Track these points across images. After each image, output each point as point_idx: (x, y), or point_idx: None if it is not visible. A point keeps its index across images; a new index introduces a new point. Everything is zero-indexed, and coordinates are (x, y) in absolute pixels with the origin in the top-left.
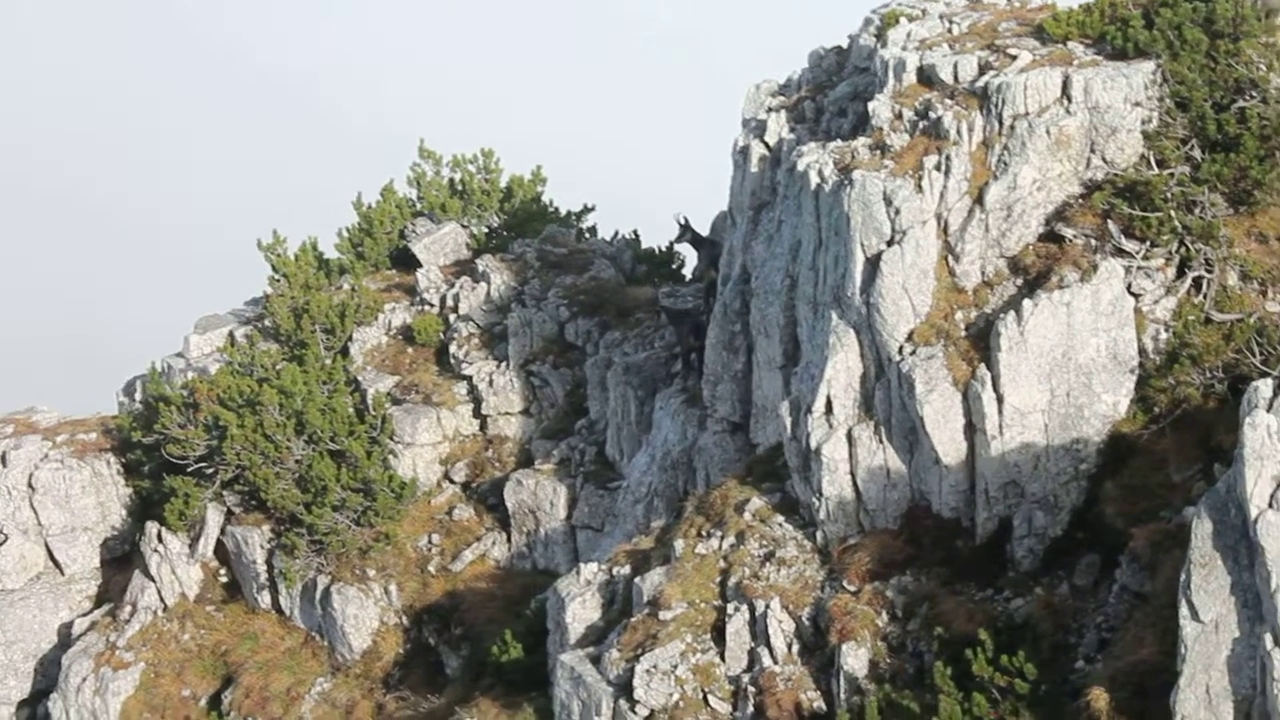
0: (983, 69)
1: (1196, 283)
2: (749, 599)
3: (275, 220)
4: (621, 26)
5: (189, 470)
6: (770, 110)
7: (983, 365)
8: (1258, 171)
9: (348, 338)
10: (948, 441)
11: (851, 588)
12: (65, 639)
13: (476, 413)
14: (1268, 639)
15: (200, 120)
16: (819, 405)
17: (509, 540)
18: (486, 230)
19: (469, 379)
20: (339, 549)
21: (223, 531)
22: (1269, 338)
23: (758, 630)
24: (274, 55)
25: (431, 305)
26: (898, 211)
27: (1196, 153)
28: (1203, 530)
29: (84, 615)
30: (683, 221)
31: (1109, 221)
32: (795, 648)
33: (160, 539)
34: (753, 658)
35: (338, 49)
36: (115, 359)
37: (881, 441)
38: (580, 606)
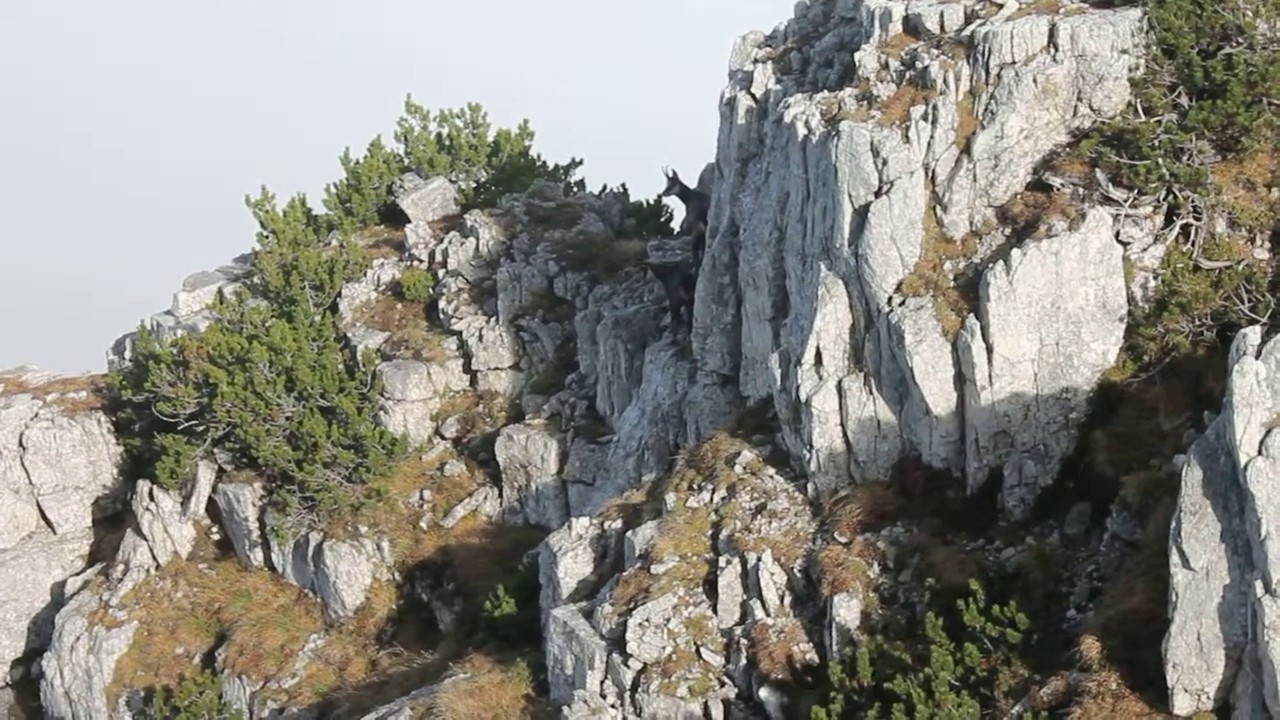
0: (969, 18)
1: (1185, 230)
2: (740, 552)
3: (261, 175)
4: None
5: (180, 428)
6: (757, 61)
7: (972, 315)
8: (1245, 118)
9: (337, 294)
10: (937, 392)
11: (843, 539)
12: (58, 598)
13: (467, 368)
14: (1258, 586)
15: (188, 71)
16: (808, 357)
17: (500, 496)
18: (474, 185)
19: (459, 334)
20: (330, 506)
21: (214, 489)
22: (1257, 285)
23: (749, 583)
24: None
25: (420, 261)
26: (885, 162)
27: (1184, 100)
28: (1193, 478)
29: (77, 574)
30: (671, 174)
31: (1096, 170)
32: (787, 600)
33: (152, 497)
34: (745, 610)
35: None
36: (105, 317)
37: (871, 393)
38: (572, 561)
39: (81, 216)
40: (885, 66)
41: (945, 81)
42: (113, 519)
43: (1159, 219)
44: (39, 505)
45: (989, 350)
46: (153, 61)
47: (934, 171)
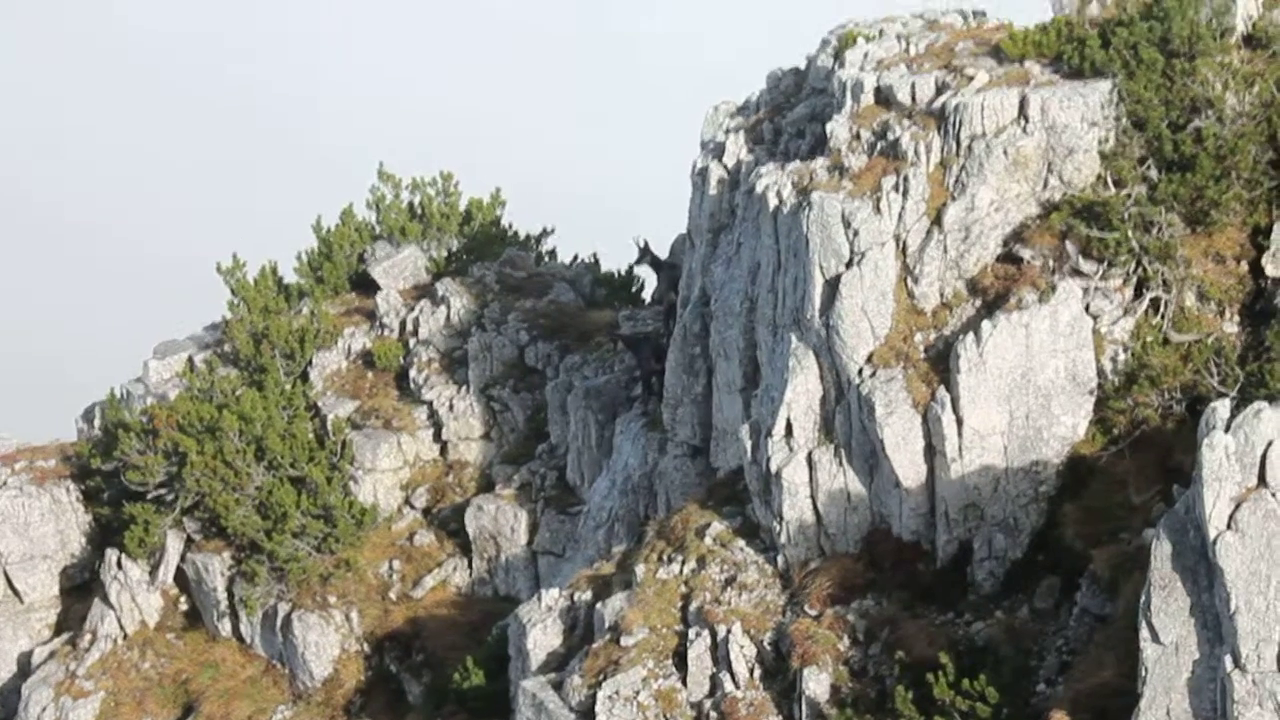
0: (940, 89)
1: (1154, 303)
2: (710, 624)
3: (235, 243)
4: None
5: (149, 497)
6: (728, 132)
7: (942, 387)
8: (1214, 191)
9: (307, 362)
10: (908, 464)
11: (813, 612)
12: (25, 668)
13: (437, 437)
14: (1228, 660)
15: (159, 138)
16: (779, 428)
17: (470, 566)
18: (446, 254)
19: (429, 404)
20: (300, 576)
21: (183, 559)
22: (1226, 358)
23: (719, 655)
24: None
25: (391, 329)
26: (856, 233)
27: (1153, 173)
28: (1162, 552)
29: (44, 644)
30: (642, 244)
31: (1067, 242)
32: (757, 673)
33: (120, 566)
34: (715, 683)
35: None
36: (75, 384)
37: (842, 464)
38: (542, 633)
39: (51, 282)
40: (857, 137)
41: (916, 153)
42: (81, 588)
43: (1129, 292)
44: (6, 574)
45: (959, 422)
46: (123, 127)
47: (905, 243)
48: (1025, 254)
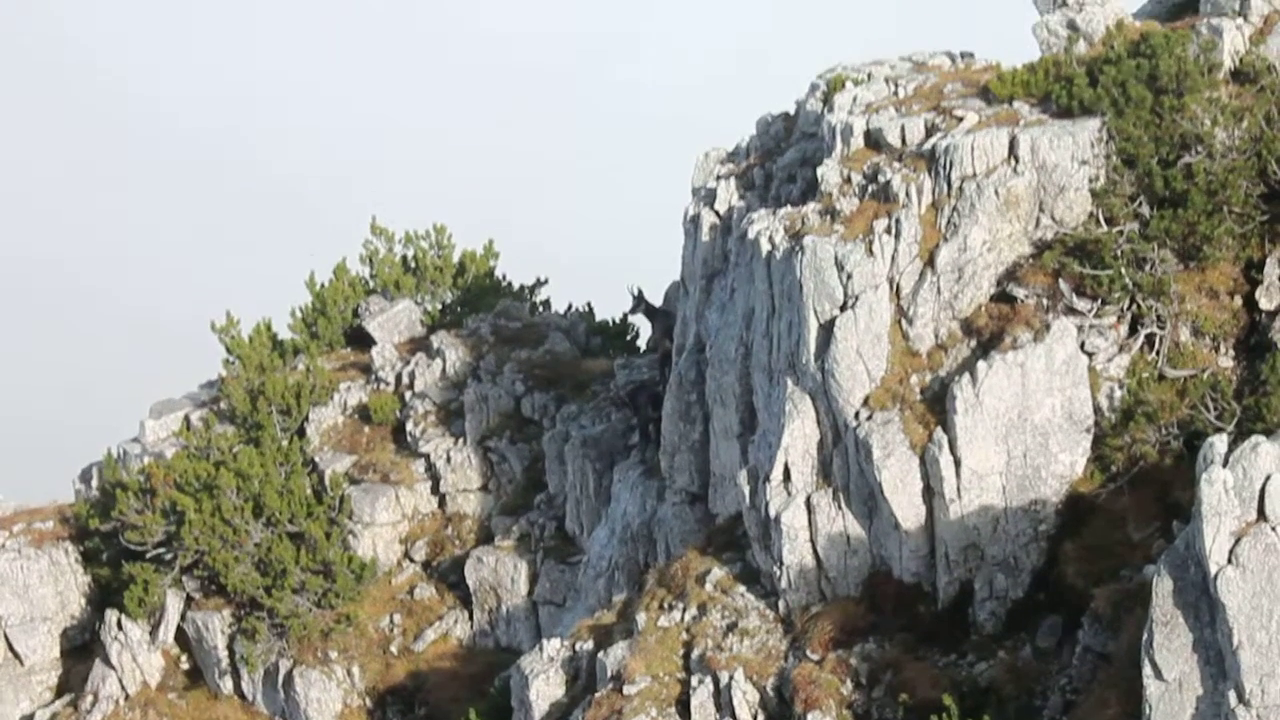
0: (930, 131)
1: (1149, 340)
2: (713, 670)
3: (228, 300)
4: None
5: (148, 556)
6: (719, 178)
7: (939, 428)
8: (1206, 227)
9: (304, 418)
10: (906, 506)
11: (815, 656)
12: None
13: (435, 490)
14: (1231, 696)
15: (154, 198)
16: (777, 473)
17: (471, 618)
18: (440, 306)
19: (426, 456)
20: (300, 632)
21: (183, 617)
22: (1223, 393)
23: (722, 702)
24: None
25: (387, 383)
26: (849, 276)
27: (1145, 209)
28: (1163, 588)
29: (45, 706)
30: (636, 293)
31: (1060, 280)
32: (761, 718)
33: (120, 627)
34: None
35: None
36: (71, 446)
37: (841, 508)
38: (544, 683)
39: (45, 342)
40: (848, 181)
41: (908, 195)
42: (81, 649)
43: (1123, 328)
44: (6, 637)
45: (957, 463)
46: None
47: (898, 285)
48: (1019, 293)
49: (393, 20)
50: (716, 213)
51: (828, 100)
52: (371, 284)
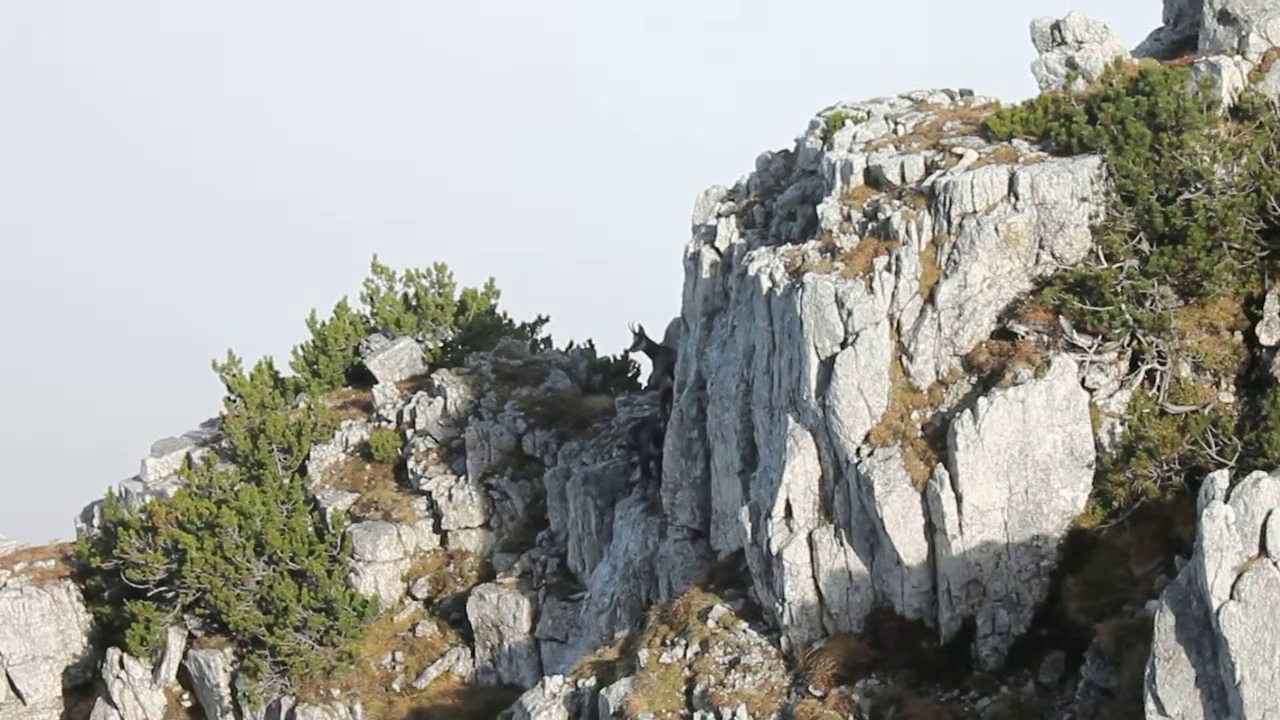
0: (929, 168)
1: (1150, 375)
2: (715, 707)
3: (227, 338)
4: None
5: (149, 595)
6: (719, 215)
7: (940, 465)
8: (1205, 263)
9: (305, 456)
10: (908, 542)
11: (818, 693)
12: None
13: (437, 528)
14: None
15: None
16: (778, 509)
17: (473, 656)
18: (441, 344)
19: (428, 494)
20: (302, 670)
21: (185, 656)
22: (1224, 428)
23: None
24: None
25: (388, 421)
26: (850, 313)
27: (1145, 246)
28: (1165, 624)
29: None
30: (637, 330)
31: (1060, 317)
32: None
33: (122, 665)
34: None
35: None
36: (72, 483)
37: (842, 544)
38: None
39: (47, 382)
40: (848, 218)
41: (908, 232)
42: (83, 688)
43: (1124, 364)
44: (8, 676)
45: (958, 499)
46: (124, 221)
47: (899, 321)
48: (1019, 330)
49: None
50: (717, 250)
51: (827, 138)
52: (373, 322)
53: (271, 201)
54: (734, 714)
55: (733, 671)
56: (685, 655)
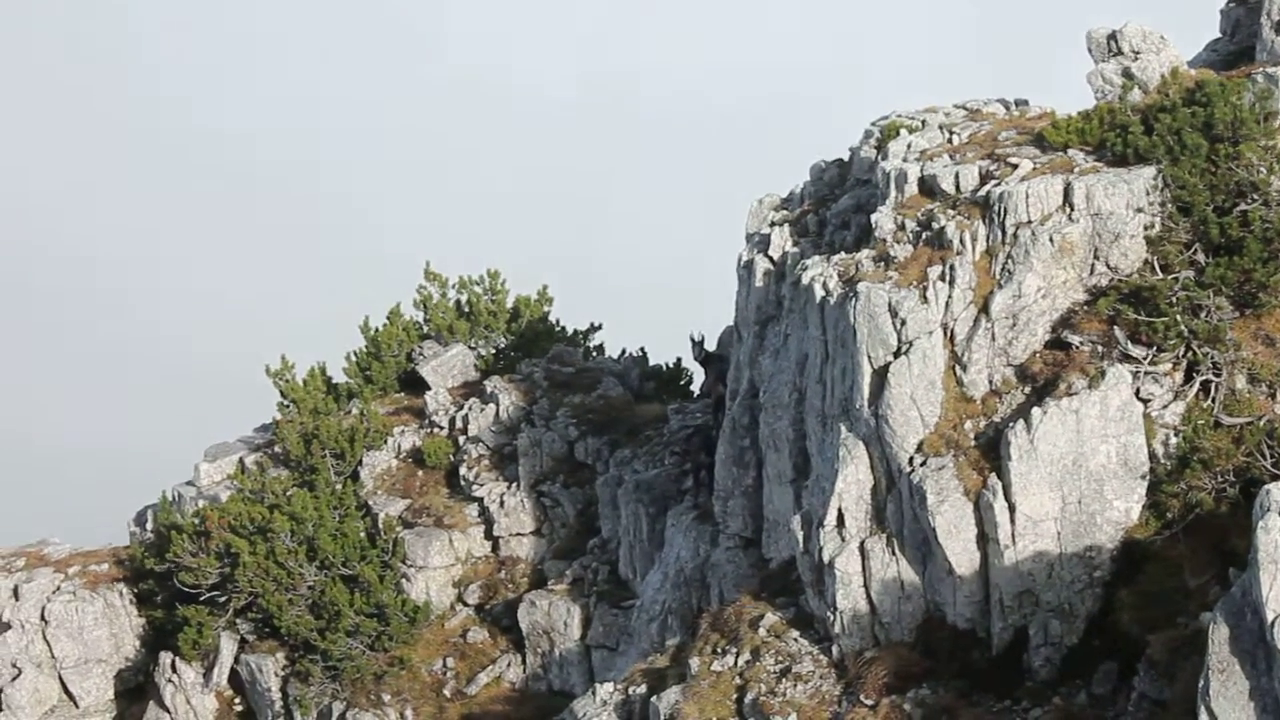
0: (984, 178)
1: (1205, 387)
2: (766, 716)
3: (280, 344)
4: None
5: (202, 599)
6: (773, 224)
7: (993, 474)
8: (1262, 274)
9: (358, 462)
10: (961, 552)
11: (869, 702)
12: None
13: (488, 534)
14: None
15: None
16: (830, 518)
17: (524, 662)
18: (494, 351)
19: (480, 500)
20: (354, 675)
21: (237, 660)
22: (1279, 440)
23: None
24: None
25: (441, 427)
26: (904, 322)
27: (1200, 257)
28: (1219, 636)
29: None
30: (698, 339)
31: (1115, 327)
32: None
33: (174, 669)
34: None
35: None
36: (126, 488)
37: (894, 553)
38: None
39: (97, 386)
40: (902, 227)
41: (962, 242)
42: (135, 691)
43: (1179, 376)
44: (61, 679)
45: (1011, 509)
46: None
47: (952, 331)
48: (1074, 340)
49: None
50: (770, 259)
51: (881, 147)
52: (425, 328)
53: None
54: None
55: (784, 680)
56: (736, 663)
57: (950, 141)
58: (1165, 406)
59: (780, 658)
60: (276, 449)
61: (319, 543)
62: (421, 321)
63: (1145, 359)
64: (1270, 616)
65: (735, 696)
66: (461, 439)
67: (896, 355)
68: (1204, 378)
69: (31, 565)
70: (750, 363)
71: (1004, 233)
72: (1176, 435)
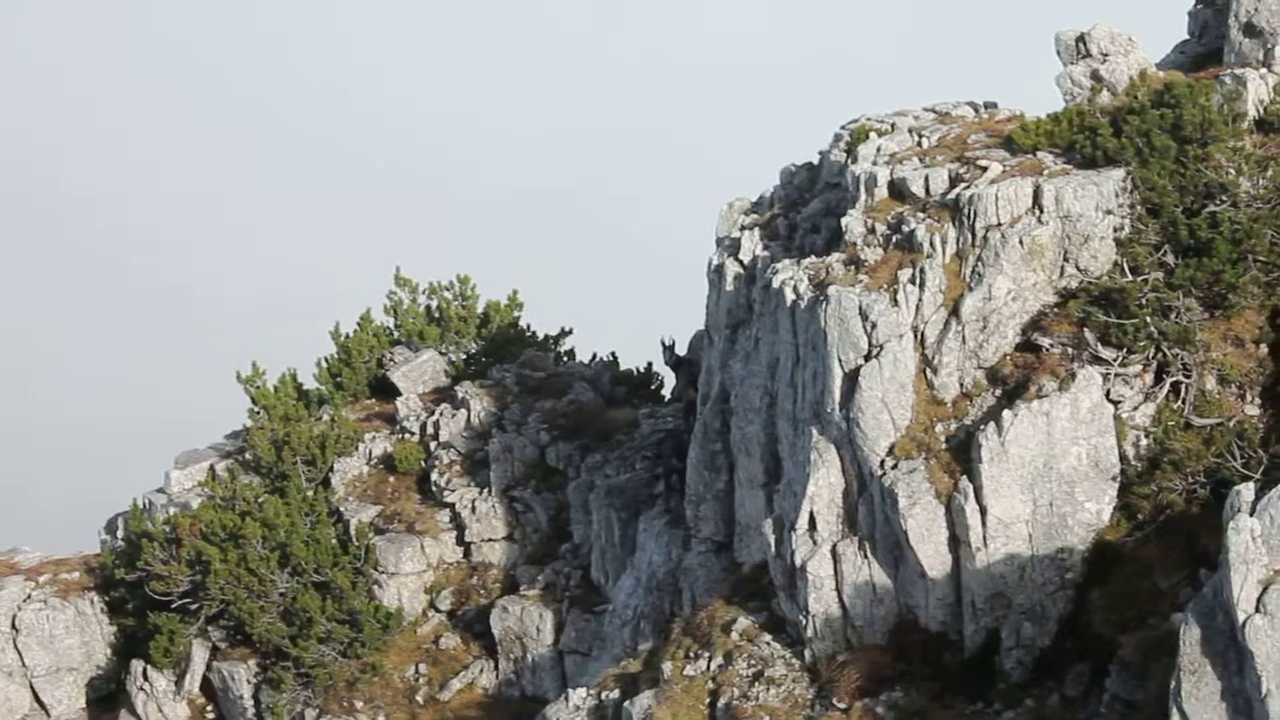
0: (954, 181)
1: (1175, 388)
2: (739, 719)
3: (252, 350)
4: None
5: (173, 606)
6: (743, 228)
7: (964, 477)
8: (1231, 275)
9: (329, 468)
10: (932, 555)
11: (842, 705)
12: None
13: (460, 540)
14: None
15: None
16: (802, 522)
17: (497, 668)
18: (465, 356)
19: (451, 506)
20: (326, 681)
21: (208, 667)
22: (1249, 441)
23: None
24: None
25: (412, 433)
26: (874, 326)
27: (1169, 258)
28: (1191, 636)
29: None
30: (668, 343)
31: (1085, 329)
32: None
33: (146, 677)
34: None
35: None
36: (96, 497)
37: (866, 557)
38: None
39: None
40: (872, 231)
41: (932, 244)
42: (107, 699)
43: (1149, 377)
44: (32, 688)
45: (983, 512)
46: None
47: (923, 334)
48: (1044, 342)
49: None
50: (740, 263)
51: (851, 151)
52: (396, 334)
53: None
54: None
55: (756, 684)
56: (709, 668)
57: (920, 145)
58: (1136, 408)
59: (753, 661)
60: (247, 455)
61: (291, 549)
62: (392, 327)
63: (1115, 361)
64: (1241, 617)
65: (708, 701)
66: (433, 445)
67: (867, 358)
68: (1174, 379)
69: (1, 574)
70: (721, 367)
71: (974, 235)
72: (1147, 437)
